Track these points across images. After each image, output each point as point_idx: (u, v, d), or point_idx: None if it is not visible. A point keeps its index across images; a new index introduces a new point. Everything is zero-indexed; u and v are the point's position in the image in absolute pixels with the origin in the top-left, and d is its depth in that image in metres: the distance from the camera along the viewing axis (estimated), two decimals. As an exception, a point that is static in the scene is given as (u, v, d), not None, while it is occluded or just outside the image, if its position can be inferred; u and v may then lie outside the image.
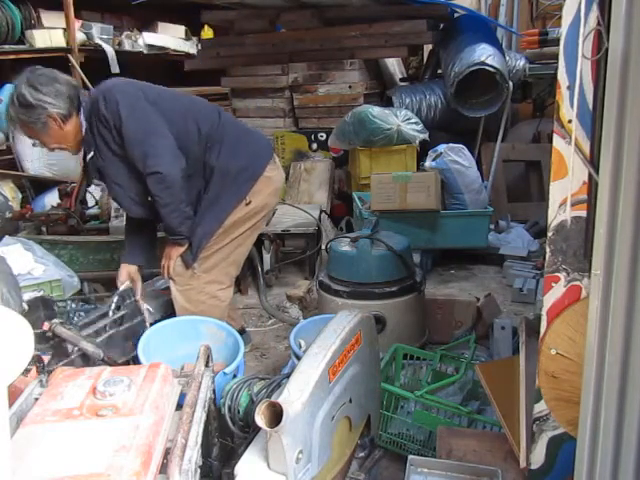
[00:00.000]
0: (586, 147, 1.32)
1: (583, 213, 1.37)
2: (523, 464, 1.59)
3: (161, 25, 6.67)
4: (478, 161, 4.62)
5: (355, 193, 4.33)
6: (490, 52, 4.43)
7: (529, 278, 3.63)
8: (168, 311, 2.59)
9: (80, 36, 5.46)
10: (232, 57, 5.26)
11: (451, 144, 3.83)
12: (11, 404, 1.22)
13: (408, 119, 4.32)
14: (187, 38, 6.95)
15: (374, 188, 3.78)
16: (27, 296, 2.41)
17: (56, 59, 4.68)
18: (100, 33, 5.72)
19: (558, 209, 1.40)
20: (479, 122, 4.79)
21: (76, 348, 1.91)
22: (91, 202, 3.86)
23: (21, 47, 4.88)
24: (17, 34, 4.80)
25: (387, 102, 4.91)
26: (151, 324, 2.39)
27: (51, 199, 4.09)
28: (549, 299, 1.46)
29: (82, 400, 1.19)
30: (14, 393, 1.27)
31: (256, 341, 3.12)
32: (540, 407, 1.53)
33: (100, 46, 5.65)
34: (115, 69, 5.55)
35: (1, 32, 4.65)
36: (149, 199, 2.35)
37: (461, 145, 3.86)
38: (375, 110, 4.27)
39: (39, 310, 2.32)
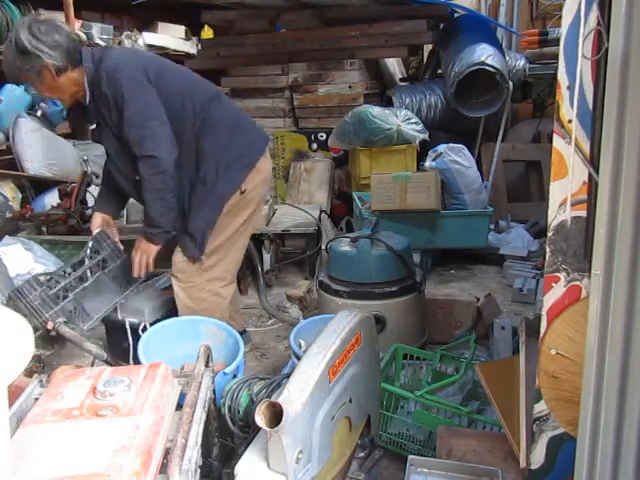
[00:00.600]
0: (586, 147, 1.32)
1: (583, 213, 1.37)
2: (523, 464, 1.59)
3: (161, 25, 6.66)
4: (478, 161, 4.62)
5: (355, 193, 4.33)
6: (490, 52, 4.43)
7: (529, 278, 3.62)
8: (169, 310, 2.60)
9: (80, 36, 5.46)
10: (232, 57, 5.26)
11: (451, 144, 3.83)
12: (11, 404, 1.22)
13: (408, 119, 4.32)
14: (187, 38, 6.94)
15: (374, 188, 3.78)
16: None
17: (56, 59, 4.67)
18: (100, 33, 5.71)
19: (558, 209, 1.40)
20: (479, 122, 4.79)
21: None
22: (91, 202, 3.86)
23: (21, 47, 4.87)
24: (17, 34, 4.79)
25: (387, 102, 4.91)
26: (151, 324, 2.39)
27: (51, 199, 4.09)
28: (549, 299, 1.46)
29: (82, 400, 1.19)
30: (14, 393, 1.27)
31: (256, 341, 3.12)
32: (540, 407, 1.53)
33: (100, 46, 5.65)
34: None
35: (1, 32, 4.65)
36: (136, 178, 2.32)
37: (461, 145, 3.86)
38: (375, 110, 4.27)
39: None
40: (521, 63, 5.05)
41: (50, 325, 1.95)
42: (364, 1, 4.76)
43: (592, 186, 1.32)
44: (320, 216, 4.27)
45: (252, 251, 3.78)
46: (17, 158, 4.47)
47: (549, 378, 1.50)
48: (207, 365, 1.49)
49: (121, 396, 1.19)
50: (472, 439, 1.87)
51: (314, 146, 5.07)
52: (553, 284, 1.45)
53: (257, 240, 3.82)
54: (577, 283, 1.42)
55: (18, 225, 3.76)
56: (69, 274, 2.27)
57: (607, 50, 1.19)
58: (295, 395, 1.30)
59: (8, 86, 4.54)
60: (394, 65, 5.84)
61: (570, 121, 1.34)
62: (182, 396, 1.33)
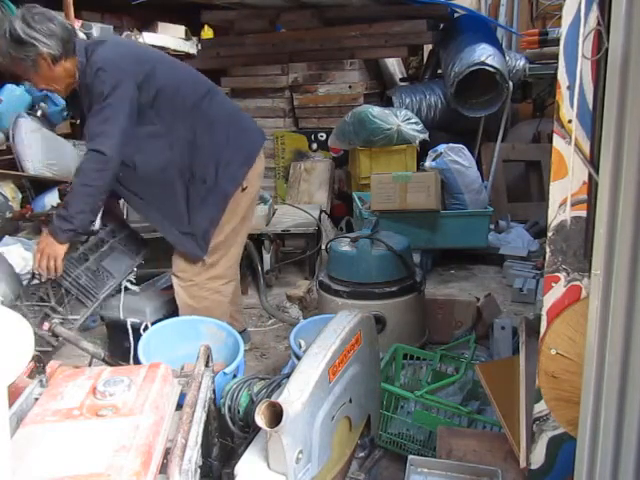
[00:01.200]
0: (586, 147, 1.32)
1: (583, 213, 1.37)
2: (523, 464, 1.59)
3: (161, 25, 6.66)
4: (478, 161, 4.62)
5: (355, 193, 4.33)
6: (490, 52, 4.43)
7: (529, 278, 3.62)
8: (170, 311, 2.60)
9: (80, 36, 5.45)
10: (232, 57, 5.26)
11: (451, 144, 3.83)
12: (11, 404, 1.22)
13: (408, 119, 4.32)
14: (187, 38, 6.93)
15: (374, 188, 3.77)
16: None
17: (56, 59, 4.67)
18: (100, 33, 5.69)
19: (558, 209, 1.40)
20: (479, 122, 4.79)
21: None
22: (91, 202, 3.86)
23: (21, 47, 4.87)
24: (17, 34, 4.79)
25: (387, 102, 4.91)
26: (152, 324, 2.40)
27: (51, 199, 4.09)
28: (549, 299, 1.46)
29: (82, 400, 1.18)
30: (14, 393, 1.27)
31: (256, 341, 3.12)
32: (540, 407, 1.53)
33: (100, 46, 5.64)
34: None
35: (1, 32, 4.65)
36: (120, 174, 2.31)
37: (461, 145, 3.86)
38: (375, 110, 4.27)
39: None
40: (521, 63, 5.05)
41: (46, 326, 1.95)
42: (364, 1, 4.76)
43: (592, 186, 1.32)
44: (320, 216, 4.27)
45: (252, 251, 3.78)
46: (17, 158, 4.46)
47: (549, 378, 1.50)
48: (207, 365, 1.49)
49: (121, 396, 1.19)
50: (472, 439, 1.87)
51: (314, 146, 5.07)
52: (553, 284, 1.45)
53: (257, 240, 3.83)
54: (577, 283, 1.42)
55: (18, 225, 3.75)
56: (86, 241, 2.42)
57: (607, 50, 1.19)
58: (295, 395, 1.30)
59: (8, 86, 4.53)
60: (394, 65, 5.84)
61: (570, 121, 1.34)
62: (182, 396, 1.33)
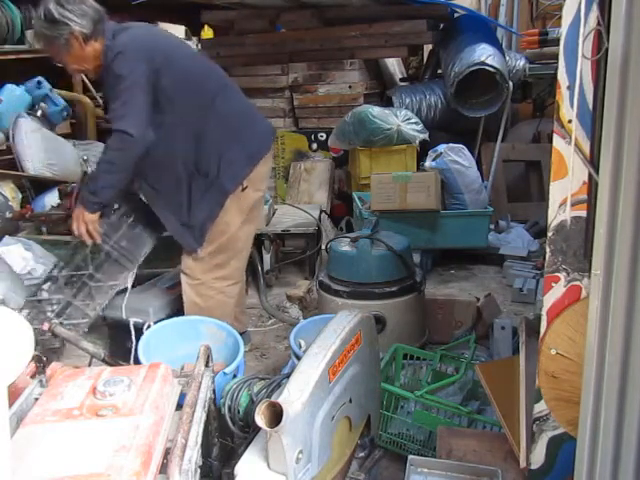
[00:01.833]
0: (586, 147, 1.32)
1: (583, 213, 1.37)
2: (523, 464, 1.59)
3: (161, 25, 6.65)
4: (478, 161, 4.61)
5: (355, 193, 4.33)
6: (490, 52, 4.42)
7: (529, 278, 3.62)
8: (172, 311, 2.61)
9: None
10: (232, 57, 5.26)
11: (451, 144, 3.83)
12: (11, 404, 1.22)
13: (408, 119, 4.32)
14: (187, 38, 6.93)
15: (374, 188, 3.77)
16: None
17: (56, 59, 4.67)
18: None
19: (558, 209, 1.40)
20: (479, 122, 4.78)
21: None
22: (91, 202, 3.85)
23: (21, 47, 4.86)
24: (17, 34, 4.79)
25: (387, 102, 4.91)
26: (154, 323, 2.40)
27: (51, 199, 4.08)
28: (549, 299, 1.46)
29: (82, 400, 1.19)
30: (14, 393, 1.27)
31: (256, 341, 3.12)
32: (540, 407, 1.53)
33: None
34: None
35: (1, 32, 4.64)
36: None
37: (461, 145, 3.86)
38: (375, 110, 4.27)
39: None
40: (521, 63, 5.04)
41: (46, 326, 1.95)
42: (364, 1, 4.75)
43: (592, 186, 1.32)
44: (320, 216, 4.27)
45: (252, 251, 3.78)
46: (17, 158, 4.46)
47: (549, 378, 1.50)
48: (207, 365, 1.50)
49: (121, 396, 1.19)
50: (472, 439, 1.87)
51: (314, 146, 5.07)
52: (553, 284, 1.45)
53: (257, 240, 3.82)
54: (577, 283, 1.42)
55: (18, 225, 3.75)
56: (119, 208, 2.52)
57: (607, 50, 1.19)
58: (295, 395, 1.30)
59: (8, 86, 4.53)
60: (394, 65, 5.84)
61: (570, 121, 1.34)
62: (182, 396, 1.33)
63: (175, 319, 2.37)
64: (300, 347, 2.20)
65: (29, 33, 4.93)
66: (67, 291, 2.48)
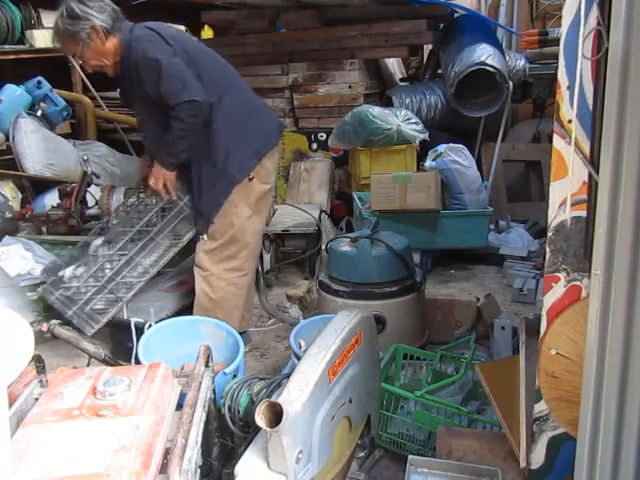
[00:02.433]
0: (586, 147, 1.32)
1: (583, 213, 1.37)
2: (523, 464, 1.60)
3: (161, 25, 6.67)
4: (478, 161, 4.62)
5: (355, 193, 4.33)
6: (490, 52, 4.43)
7: (529, 278, 3.62)
8: (174, 310, 2.62)
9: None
10: (232, 57, 5.22)
11: (451, 144, 3.83)
12: (11, 404, 1.22)
13: (408, 119, 4.32)
14: (187, 38, 6.93)
15: (374, 188, 3.77)
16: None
17: (56, 59, 4.67)
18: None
19: (558, 209, 1.40)
20: (479, 122, 4.78)
21: None
22: (91, 202, 3.86)
23: (21, 47, 4.87)
24: (17, 34, 4.79)
25: (387, 102, 4.91)
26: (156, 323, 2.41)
27: (51, 199, 4.09)
28: (549, 299, 1.46)
29: (82, 400, 1.19)
30: (14, 393, 1.27)
31: (256, 341, 3.12)
32: (540, 407, 1.53)
33: (100, 46, 5.63)
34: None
35: (1, 32, 4.65)
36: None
37: (461, 145, 3.85)
38: (375, 110, 4.27)
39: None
40: (521, 63, 5.04)
41: (45, 327, 1.95)
42: (364, 1, 4.76)
43: (592, 186, 1.32)
44: (320, 216, 4.27)
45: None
46: (17, 158, 4.47)
47: (549, 378, 1.50)
48: (207, 365, 1.50)
49: (121, 396, 1.19)
50: (472, 439, 1.87)
51: (314, 146, 5.07)
52: (553, 284, 1.45)
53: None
54: (577, 283, 1.42)
55: (18, 225, 3.76)
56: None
57: (607, 50, 1.19)
58: (295, 395, 1.30)
59: (8, 86, 4.54)
60: (394, 65, 5.84)
61: (570, 121, 1.34)
62: (182, 396, 1.33)
63: (175, 319, 2.38)
64: (300, 347, 2.20)
65: (28, 33, 4.94)
66: (130, 246, 2.66)
